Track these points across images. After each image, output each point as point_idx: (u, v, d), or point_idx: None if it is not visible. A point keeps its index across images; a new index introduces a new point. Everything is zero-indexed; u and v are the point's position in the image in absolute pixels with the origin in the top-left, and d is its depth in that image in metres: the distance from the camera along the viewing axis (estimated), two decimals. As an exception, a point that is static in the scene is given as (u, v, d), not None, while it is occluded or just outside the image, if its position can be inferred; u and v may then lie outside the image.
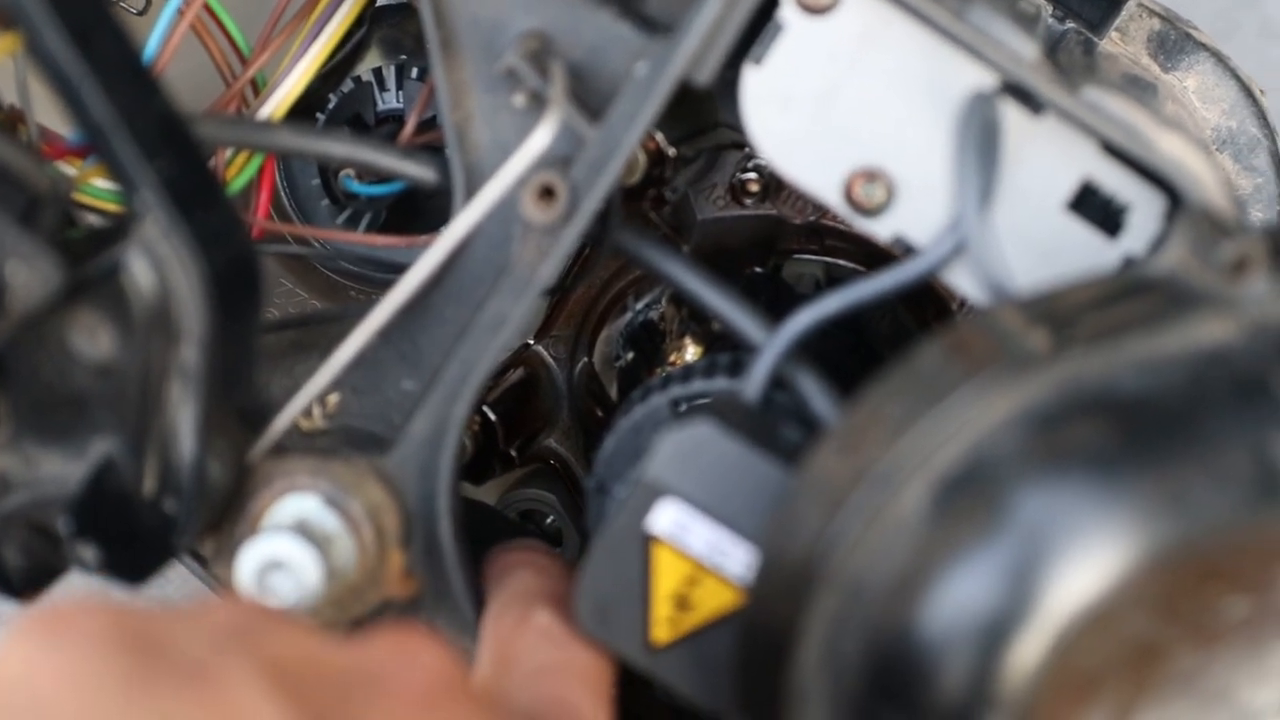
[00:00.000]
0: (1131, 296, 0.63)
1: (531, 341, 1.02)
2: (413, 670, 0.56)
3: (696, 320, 0.93)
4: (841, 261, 0.95)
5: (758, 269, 0.95)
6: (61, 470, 0.70)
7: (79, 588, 0.66)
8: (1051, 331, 0.60)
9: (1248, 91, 0.96)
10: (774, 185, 0.94)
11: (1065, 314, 0.62)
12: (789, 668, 0.61)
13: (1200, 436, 0.57)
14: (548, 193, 0.72)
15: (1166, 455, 0.57)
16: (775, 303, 0.76)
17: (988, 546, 0.57)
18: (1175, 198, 0.69)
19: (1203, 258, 0.64)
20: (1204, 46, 0.96)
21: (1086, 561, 0.56)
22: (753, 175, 0.93)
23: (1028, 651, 0.56)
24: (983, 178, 0.68)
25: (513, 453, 1.00)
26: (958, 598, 0.57)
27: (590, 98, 0.73)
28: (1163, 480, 0.57)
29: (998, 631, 0.57)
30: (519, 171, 0.72)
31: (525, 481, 1.02)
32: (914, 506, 0.59)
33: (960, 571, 0.57)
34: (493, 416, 0.97)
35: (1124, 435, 0.58)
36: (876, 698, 0.59)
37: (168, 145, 0.66)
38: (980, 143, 0.68)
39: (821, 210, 0.94)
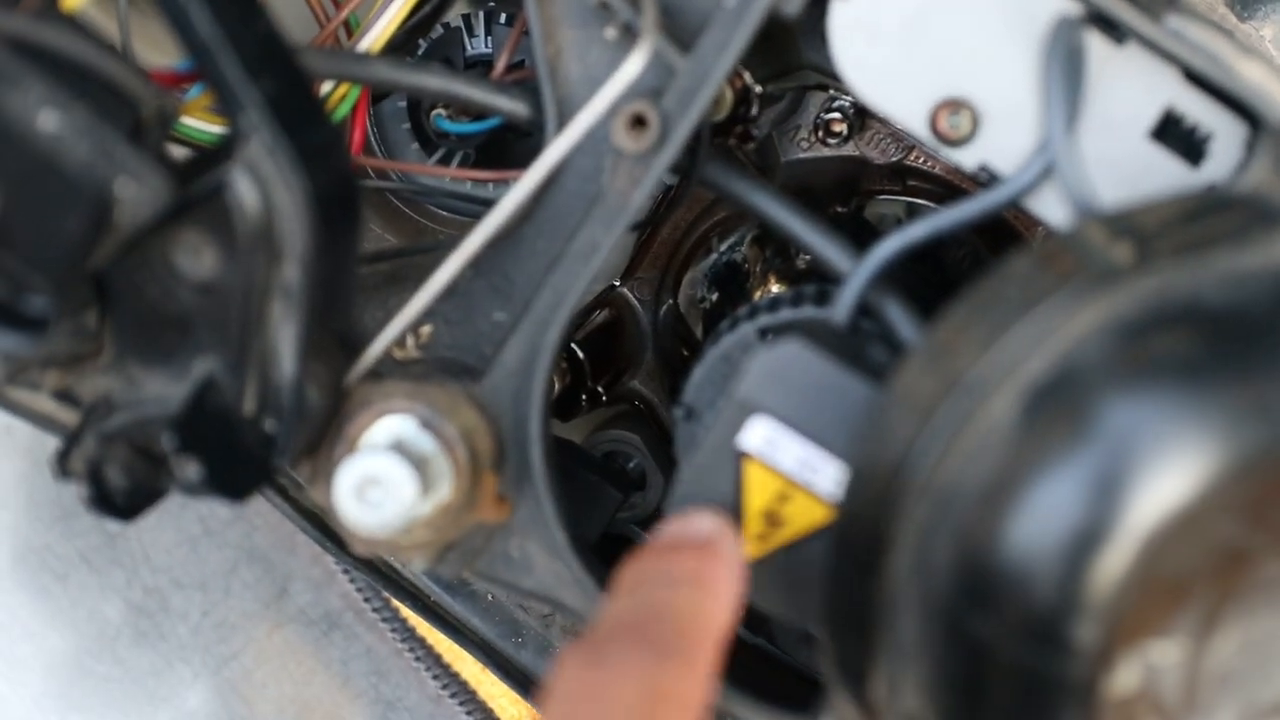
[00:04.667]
0: (1214, 213, 0.63)
1: (617, 284, 1.03)
2: None
3: (781, 258, 0.94)
4: (923, 201, 0.95)
5: (840, 209, 0.96)
6: (164, 391, 0.71)
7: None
8: (1136, 245, 0.61)
9: (1325, 40, 0.97)
10: (857, 126, 0.94)
11: (1149, 229, 0.62)
12: (879, 577, 0.62)
13: (1284, 347, 0.58)
14: (639, 121, 0.73)
15: (1251, 365, 0.58)
16: (858, 241, 0.77)
17: (1076, 453, 0.58)
18: (1257, 126, 0.70)
19: (1286, 177, 0.65)
20: (1281, -5, 0.97)
21: (1173, 468, 0.57)
22: (836, 115, 0.94)
23: (1115, 557, 0.57)
24: (1069, 102, 0.69)
25: (600, 389, 1.00)
26: (1047, 504, 0.58)
27: (679, 32, 0.74)
28: (1248, 389, 0.57)
29: (1086, 538, 0.57)
30: (611, 101, 0.73)
31: (610, 423, 1.02)
32: (1003, 415, 0.59)
33: (1049, 479, 0.58)
34: (580, 354, 0.98)
35: (1209, 346, 0.58)
36: (966, 604, 0.59)
37: (271, 65, 0.67)
38: (1065, 67, 0.69)
39: (904, 150, 0.94)
